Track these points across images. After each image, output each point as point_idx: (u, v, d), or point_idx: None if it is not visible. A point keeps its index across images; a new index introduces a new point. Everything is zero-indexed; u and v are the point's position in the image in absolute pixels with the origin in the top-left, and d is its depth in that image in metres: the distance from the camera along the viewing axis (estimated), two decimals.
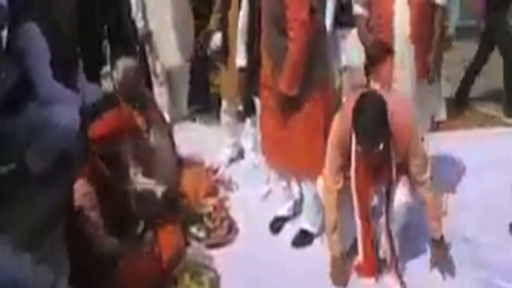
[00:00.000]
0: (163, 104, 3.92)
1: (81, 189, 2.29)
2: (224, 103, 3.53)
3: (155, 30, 3.84)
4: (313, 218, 2.83)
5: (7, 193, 2.71)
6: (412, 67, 2.83)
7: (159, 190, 2.76)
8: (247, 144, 3.59)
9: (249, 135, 3.49)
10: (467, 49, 4.40)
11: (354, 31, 3.76)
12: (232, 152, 3.63)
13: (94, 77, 4.13)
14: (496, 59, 4.14)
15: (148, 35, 3.86)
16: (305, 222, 2.87)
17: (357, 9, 3.00)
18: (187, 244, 2.71)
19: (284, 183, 2.95)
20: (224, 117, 3.57)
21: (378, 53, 2.85)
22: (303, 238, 2.84)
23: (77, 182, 2.29)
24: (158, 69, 4.00)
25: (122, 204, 2.45)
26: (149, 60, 4.00)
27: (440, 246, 2.50)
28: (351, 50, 3.90)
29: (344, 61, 3.80)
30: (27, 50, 2.89)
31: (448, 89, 4.07)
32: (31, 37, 2.89)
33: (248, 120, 3.41)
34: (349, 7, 3.63)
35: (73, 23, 3.26)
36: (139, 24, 3.82)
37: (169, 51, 3.88)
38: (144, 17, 3.82)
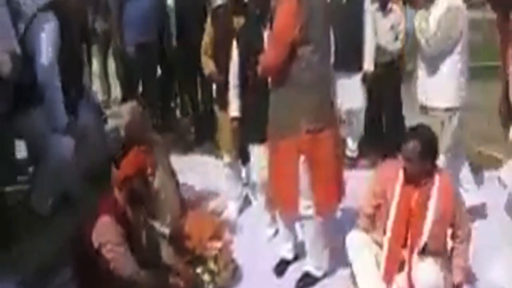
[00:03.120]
0: None
1: (107, 226, 2.27)
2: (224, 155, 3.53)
3: None
4: (317, 261, 2.82)
5: (13, 234, 2.74)
6: None
7: (165, 232, 2.77)
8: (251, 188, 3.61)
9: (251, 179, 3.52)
10: None
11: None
12: (239, 204, 3.62)
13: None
14: None
15: None
16: (309, 265, 2.85)
17: None
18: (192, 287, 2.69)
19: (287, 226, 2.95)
20: (226, 170, 3.57)
21: None
22: (308, 281, 2.82)
23: (102, 218, 2.28)
24: None
25: (140, 245, 2.45)
26: None
27: None
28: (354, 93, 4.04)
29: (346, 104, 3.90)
30: (40, 37, 2.91)
31: None
32: (47, 26, 2.93)
33: (250, 165, 3.44)
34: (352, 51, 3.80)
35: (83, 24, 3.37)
36: None
37: None
38: None
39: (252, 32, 2.98)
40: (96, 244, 2.26)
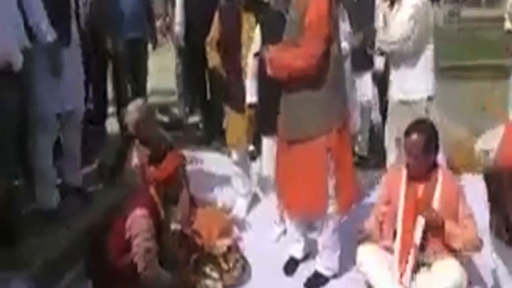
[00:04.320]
0: None
1: (143, 218, 2.32)
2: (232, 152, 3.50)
3: None
4: (329, 262, 2.80)
5: (21, 230, 2.73)
6: None
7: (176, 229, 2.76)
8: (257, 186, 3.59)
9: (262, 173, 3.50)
10: None
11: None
12: (247, 201, 3.59)
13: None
14: None
15: None
16: (320, 265, 2.83)
17: None
18: (200, 285, 2.67)
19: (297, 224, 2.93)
20: (234, 167, 3.54)
21: None
22: (317, 281, 2.80)
23: (137, 210, 2.33)
24: None
25: (164, 246, 2.48)
26: None
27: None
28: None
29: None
30: None
31: None
32: None
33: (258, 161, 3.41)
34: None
35: None
36: None
37: None
38: None
39: (273, 21, 2.87)
40: (127, 235, 2.31)
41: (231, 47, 3.25)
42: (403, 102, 3.31)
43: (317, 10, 2.47)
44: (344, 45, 3.29)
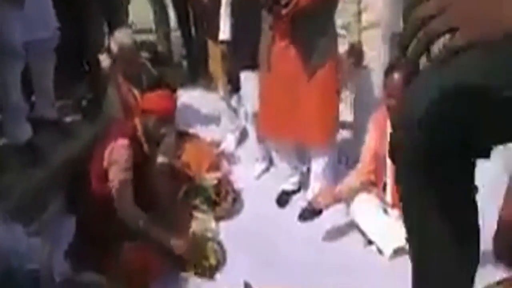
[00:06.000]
0: None
1: (123, 148, 2.21)
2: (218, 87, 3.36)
3: None
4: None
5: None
6: None
7: (160, 161, 2.62)
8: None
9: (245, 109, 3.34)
10: None
11: None
12: (236, 136, 3.45)
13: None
14: None
15: None
16: (313, 196, 2.72)
17: None
18: (191, 216, 2.57)
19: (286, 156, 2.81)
20: (221, 102, 3.41)
21: None
22: (311, 212, 2.71)
23: (119, 140, 2.22)
24: None
25: (146, 180, 2.34)
26: None
27: None
28: None
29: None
30: None
31: None
32: None
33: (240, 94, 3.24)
34: None
35: None
36: None
37: None
38: None
39: None
40: (105, 163, 2.20)
41: None
42: None
43: None
44: None
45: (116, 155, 2.20)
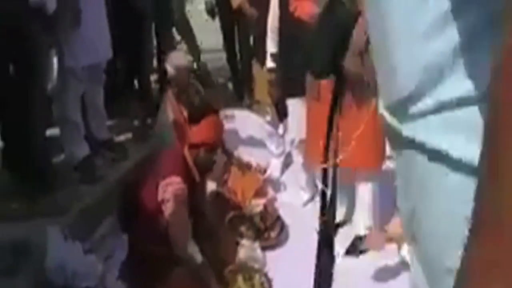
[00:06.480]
0: None
1: (176, 184, 2.18)
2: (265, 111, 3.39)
3: None
4: (368, 223, 2.69)
5: (55, 180, 2.66)
6: None
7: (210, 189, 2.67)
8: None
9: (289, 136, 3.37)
10: None
11: None
12: (281, 162, 3.48)
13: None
14: None
15: None
16: (360, 228, 2.72)
17: None
18: (237, 244, 2.59)
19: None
20: (267, 126, 3.43)
21: None
22: (358, 248, 2.69)
23: (172, 178, 2.19)
24: None
25: (197, 210, 2.36)
26: None
27: None
28: None
29: None
30: None
31: None
32: None
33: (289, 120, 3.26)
34: None
35: None
36: None
37: None
38: None
39: None
40: (159, 197, 2.18)
41: None
42: None
43: None
44: None
45: (170, 194, 2.17)
